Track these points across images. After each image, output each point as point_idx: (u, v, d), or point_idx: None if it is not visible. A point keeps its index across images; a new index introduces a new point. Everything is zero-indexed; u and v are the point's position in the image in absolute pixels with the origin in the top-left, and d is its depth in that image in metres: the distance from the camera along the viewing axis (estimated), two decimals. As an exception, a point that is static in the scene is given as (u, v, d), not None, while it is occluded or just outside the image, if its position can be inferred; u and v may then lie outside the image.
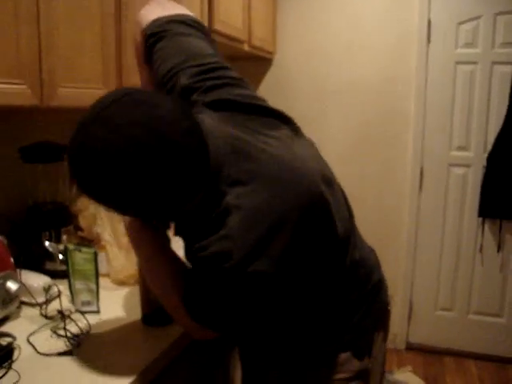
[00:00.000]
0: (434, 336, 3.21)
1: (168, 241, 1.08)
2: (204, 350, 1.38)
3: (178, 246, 1.07)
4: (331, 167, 1.06)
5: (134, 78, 1.58)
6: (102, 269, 1.41)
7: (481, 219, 3.01)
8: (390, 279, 1.21)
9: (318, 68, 3.17)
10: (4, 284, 1.19)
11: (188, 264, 1.00)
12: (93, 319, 1.22)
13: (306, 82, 3.21)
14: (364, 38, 3.09)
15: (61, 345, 1.10)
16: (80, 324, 1.18)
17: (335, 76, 3.16)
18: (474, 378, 2.92)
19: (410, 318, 3.23)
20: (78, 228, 1.59)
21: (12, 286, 1.20)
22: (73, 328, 1.16)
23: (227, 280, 0.89)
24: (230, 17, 2.39)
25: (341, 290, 1.07)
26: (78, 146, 0.83)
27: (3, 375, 0.96)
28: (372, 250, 1.21)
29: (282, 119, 1.03)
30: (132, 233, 1.05)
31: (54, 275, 1.39)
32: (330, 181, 1.00)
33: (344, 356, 1.08)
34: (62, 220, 1.55)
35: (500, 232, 2.98)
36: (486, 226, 3.01)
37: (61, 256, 1.47)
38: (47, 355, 1.05)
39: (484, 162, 2.94)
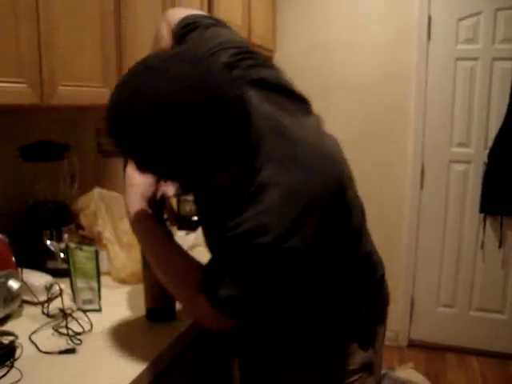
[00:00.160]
0: (436, 333, 3.21)
1: (171, 234, 1.08)
2: (211, 342, 1.38)
3: (181, 241, 1.08)
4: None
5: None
6: (104, 267, 1.41)
7: (482, 215, 3.01)
8: (392, 276, 1.23)
9: (317, 65, 3.17)
10: (5, 283, 1.18)
11: (194, 255, 1.02)
12: (94, 317, 1.22)
13: (306, 80, 3.18)
14: (364, 35, 3.09)
15: (63, 343, 1.10)
16: (82, 322, 1.18)
17: (335, 73, 3.15)
18: (475, 374, 2.92)
19: (411, 315, 3.23)
20: (79, 227, 1.59)
21: (14, 284, 1.20)
22: (74, 326, 1.16)
23: (260, 257, 0.89)
24: (230, 15, 2.39)
25: (352, 280, 1.10)
26: (129, 95, 0.81)
27: (5, 374, 0.96)
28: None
29: (309, 107, 1.08)
30: (136, 226, 1.06)
31: (56, 274, 1.39)
32: (349, 171, 1.04)
33: (352, 347, 1.12)
34: (62, 219, 1.55)
35: (501, 228, 2.98)
36: (488, 223, 3.01)
37: (62, 255, 1.47)
38: (49, 353, 1.05)
39: (485, 159, 2.93)
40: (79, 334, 1.13)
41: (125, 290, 1.42)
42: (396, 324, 3.16)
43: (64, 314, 1.20)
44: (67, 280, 1.31)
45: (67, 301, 1.29)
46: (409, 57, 3.02)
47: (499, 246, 3.02)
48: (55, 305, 1.26)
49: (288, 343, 1.14)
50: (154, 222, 1.06)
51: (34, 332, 1.14)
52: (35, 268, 1.39)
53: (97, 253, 1.28)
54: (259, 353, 1.22)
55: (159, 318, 1.20)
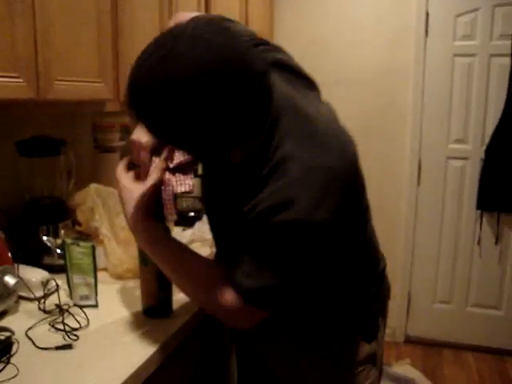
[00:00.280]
0: (433, 329, 3.22)
1: (169, 231, 1.08)
2: (204, 341, 1.38)
3: (178, 236, 1.07)
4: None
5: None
6: (100, 263, 1.41)
7: (479, 212, 3.02)
8: (389, 272, 1.23)
9: (315, 62, 3.16)
10: (2, 278, 1.18)
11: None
12: (91, 313, 1.21)
13: (304, 76, 3.20)
14: (361, 32, 3.08)
15: (59, 339, 1.09)
16: (78, 318, 1.17)
17: (333, 69, 3.15)
18: (472, 370, 2.93)
19: (408, 311, 3.24)
20: (76, 222, 1.58)
21: (10, 280, 1.19)
22: (71, 322, 1.16)
23: (287, 234, 0.88)
24: (227, 11, 2.38)
25: (359, 266, 1.11)
26: (161, 57, 0.80)
27: (1, 369, 0.96)
28: None
29: (319, 93, 1.10)
30: (141, 235, 1.04)
31: (52, 269, 1.38)
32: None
33: (357, 339, 1.13)
34: (59, 214, 1.55)
35: (498, 225, 2.99)
36: (484, 219, 3.02)
37: (58, 250, 1.47)
38: (46, 349, 1.05)
39: (482, 155, 2.94)
40: (76, 329, 1.13)
41: (121, 285, 1.42)
42: (393, 320, 3.16)
43: (60, 309, 1.20)
44: (64, 276, 1.31)
45: (64, 296, 1.29)
46: (406, 53, 3.02)
47: (496, 243, 3.02)
48: (52, 300, 1.26)
49: (297, 335, 1.13)
50: (160, 231, 1.05)
51: (31, 328, 1.13)
52: (32, 264, 1.38)
53: (93, 248, 1.27)
54: (261, 345, 1.21)
55: (156, 313, 1.20)
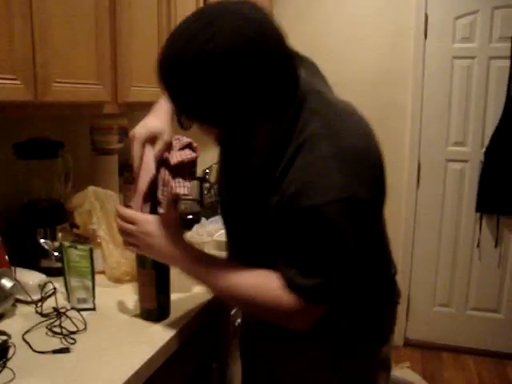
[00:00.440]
0: (432, 332, 3.21)
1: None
2: (203, 342, 1.38)
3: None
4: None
5: (129, 73, 1.57)
6: (98, 266, 1.40)
7: (478, 214, 3.01)
8: (389, 275, 1.22)
9: (314, 61, 3.15)
10: (-2, 281, 1.18)
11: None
12: (89, 316, 1.21)
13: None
14: (361, 33, 3.08)
15: (56, 342, 1.08)
16: (76, 321, 1.17)
17: (332, 70, 3.11)
18: (471, 373, 2.92)
19: (407, 314, 3.24)
20: (74, 225, 1.58)
21: (7, 283, 1.18)
22: (68, 325, 1.15)
23: (331, 217, 0.86)
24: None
25: (376, 265, 1.09)
26: (203, 26, 0.82)
27: (-2, 373, 0.95)
28: None
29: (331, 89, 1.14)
30: (190, 268, 1.05)
31: (49, 272, 1.38)
32: None
33: (371, 344, 1.12)
34: (57, 217, 1.54)
35: (497, 227, 2.98)
36: (484, 222, 3.01)
37: (56, 253, 1.46)
38: (43, 353, 1.04)
39: (481, 157, 2.94)
40: (73, 333, 1.12)
41: (119, 288, 1.41)
42: (392, 323, 3.16)
43: (58, 313, 1.19)
44: (61, 279, 1.30)
45: (61, 300, 1.29)
46: (405, 55, 3.02)
47: (495, 245, 3.02)
48: (49, 304, 1.25)
49: (311, 340, 1.09)
50: (209, 257, 1.06)
51: (28, 331, 1.13)
52: (29, 267, 1.37)
53: (91, 251, 1.27)
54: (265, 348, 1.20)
55: (153, 317, 1.19)
